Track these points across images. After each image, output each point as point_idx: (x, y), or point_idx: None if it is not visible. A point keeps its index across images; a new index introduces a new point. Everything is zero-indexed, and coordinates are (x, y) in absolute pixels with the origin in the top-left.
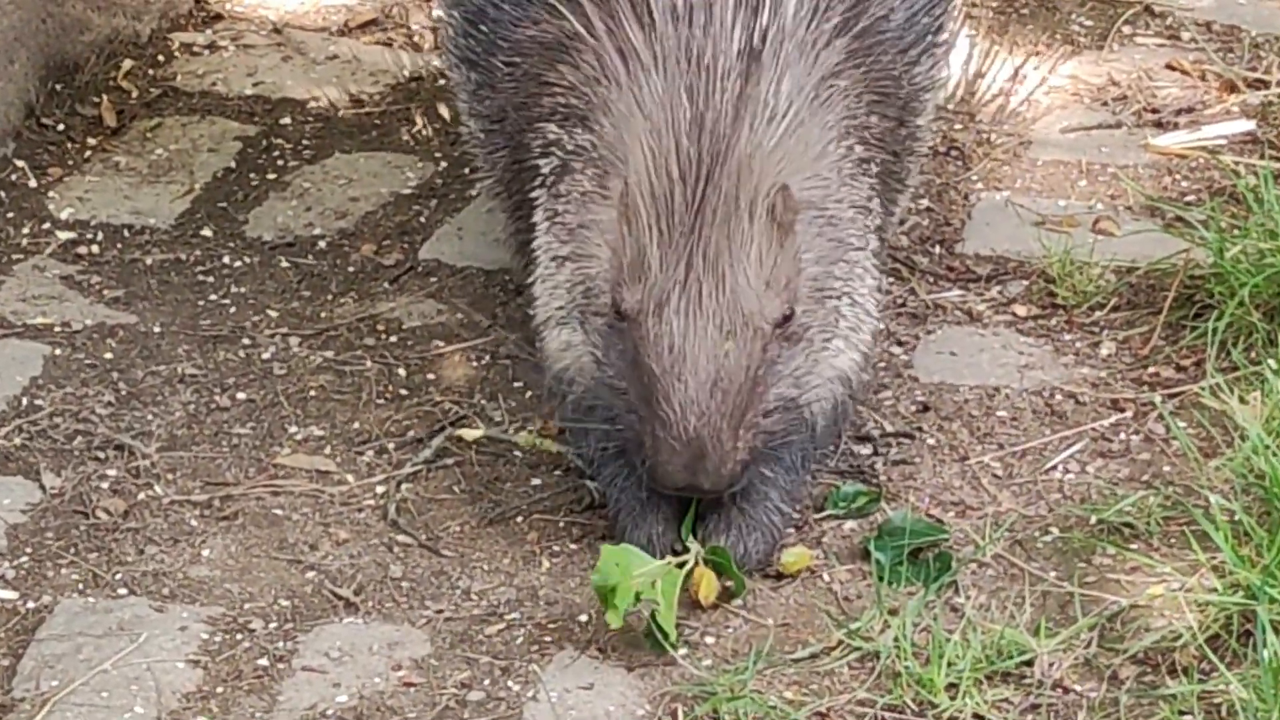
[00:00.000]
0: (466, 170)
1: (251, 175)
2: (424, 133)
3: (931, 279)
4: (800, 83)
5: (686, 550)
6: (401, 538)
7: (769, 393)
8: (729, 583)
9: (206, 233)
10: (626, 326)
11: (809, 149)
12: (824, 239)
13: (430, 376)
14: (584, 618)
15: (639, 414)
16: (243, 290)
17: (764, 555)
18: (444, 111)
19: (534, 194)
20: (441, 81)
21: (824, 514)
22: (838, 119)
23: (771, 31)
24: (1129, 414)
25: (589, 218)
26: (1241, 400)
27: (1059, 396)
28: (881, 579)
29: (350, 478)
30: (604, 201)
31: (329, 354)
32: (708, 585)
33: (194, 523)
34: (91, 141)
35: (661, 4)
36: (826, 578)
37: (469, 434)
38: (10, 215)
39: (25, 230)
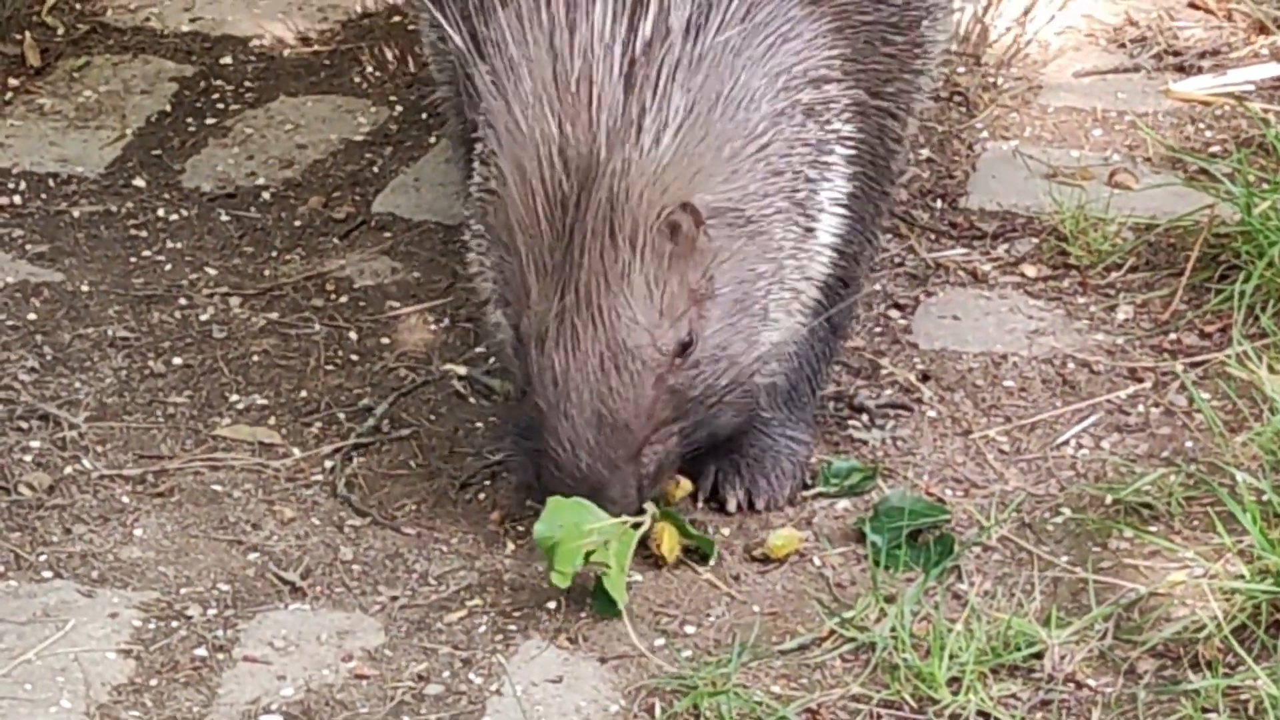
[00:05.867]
0: (424, 115)
1: (188, 120)
2: (377, 74)
3: (932, 236)
4: (697, 87)
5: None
6: (352, 517)
7: (680, 419)
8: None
9: (139, 183)
10: (521, 353)
11: (719, 156)
12: (744, 248)
13: (384, 340)
14: (552, 605)
15: (537, 439)
16: (179, 246)
17: (791, 492)
18: (398, 51)
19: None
20: (397, 19)
21: (814, 492)
22: (774, 97)
23: (655, 43)
24: (1148, 384)
25: (492, 220)
26: (1271, 369)
27: (1071, 365)
28: (877, 563)
29: (296, 450)
30: (493, 220)
31: (273, 316)
32: (670, 540)
33: (126, 499)
34: (13, 83)
35: (533, 20)
36: (817, 562)
37: (458, 369)
38: None
39: None
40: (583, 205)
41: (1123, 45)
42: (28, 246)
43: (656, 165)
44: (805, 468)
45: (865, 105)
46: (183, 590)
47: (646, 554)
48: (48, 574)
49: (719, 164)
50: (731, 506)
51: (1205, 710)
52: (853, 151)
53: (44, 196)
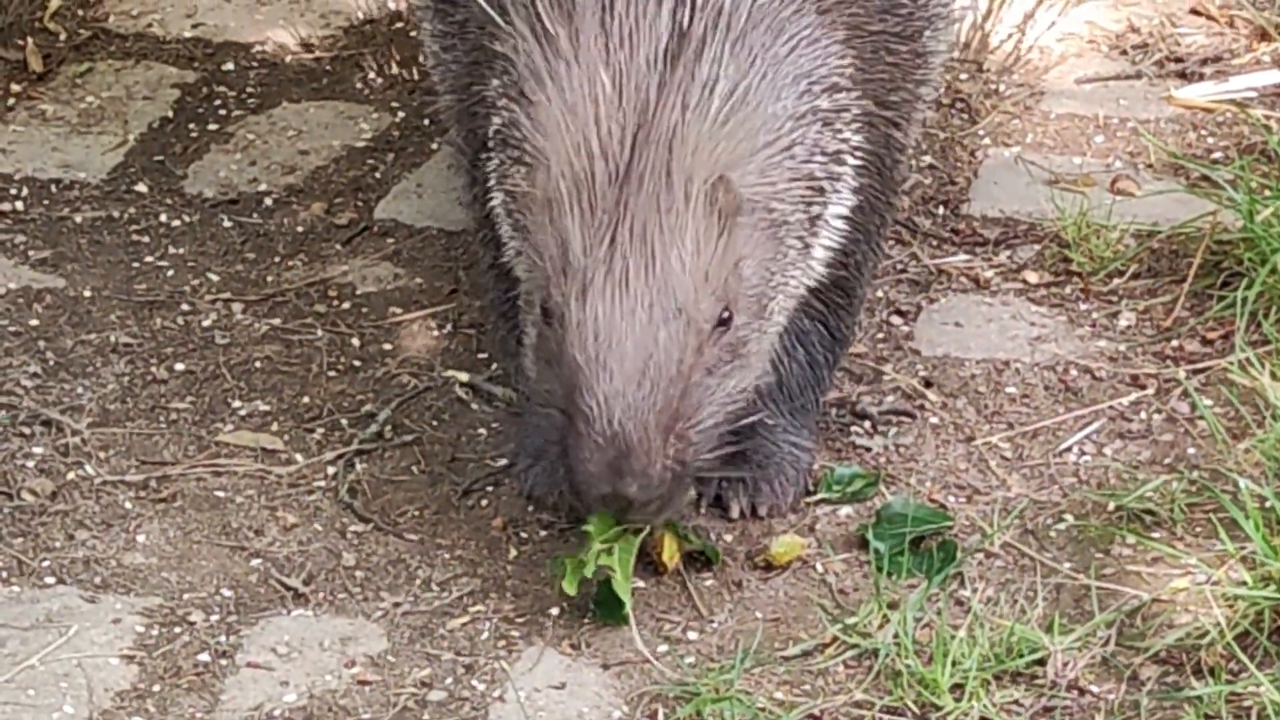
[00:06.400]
0: (426, 121)
1: (191, 126)
2: (379, 80)
3: (935, 242)
4: (743, 67)
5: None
6: (355, 523)
7: (704, 404)
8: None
9: (141, 188)
10: (551, 327)
11: (754, 141)
12: (765, 246)
13: (386, 346)
14: (555, 611)
15: (562, 416)
16: (181, 252)
17: (794, 499)
18: (401, 57)
19: (489, 148)
20: (399, 24)
21: (817, 498)
22: (798, 99)
23: (703, 12)
24: (1150, 391)
25: (524, 221)
26: (1273, 376)
27: (1074, 371)
28: (880, 570)
29: (299, 457)
30: (532, 203)
31: (276, 322)
32: (670, 547)
33: (128, 505)
34: (15, 88)
35: None
36: (820, 568)
37: (460, 375)
38: None
39: None
40: (639, 145)
41: (1125, 52)
42: (30, 252)
43: (709, 123)
44: (809, 474)
45: (873, 115)
46: (185, 596)
47: (648, 561)
48: (50, 580)
49: (755, 154)
50: (734, 513)
51: (1208, 717)
52: (861, 163)
53: (46, 202)
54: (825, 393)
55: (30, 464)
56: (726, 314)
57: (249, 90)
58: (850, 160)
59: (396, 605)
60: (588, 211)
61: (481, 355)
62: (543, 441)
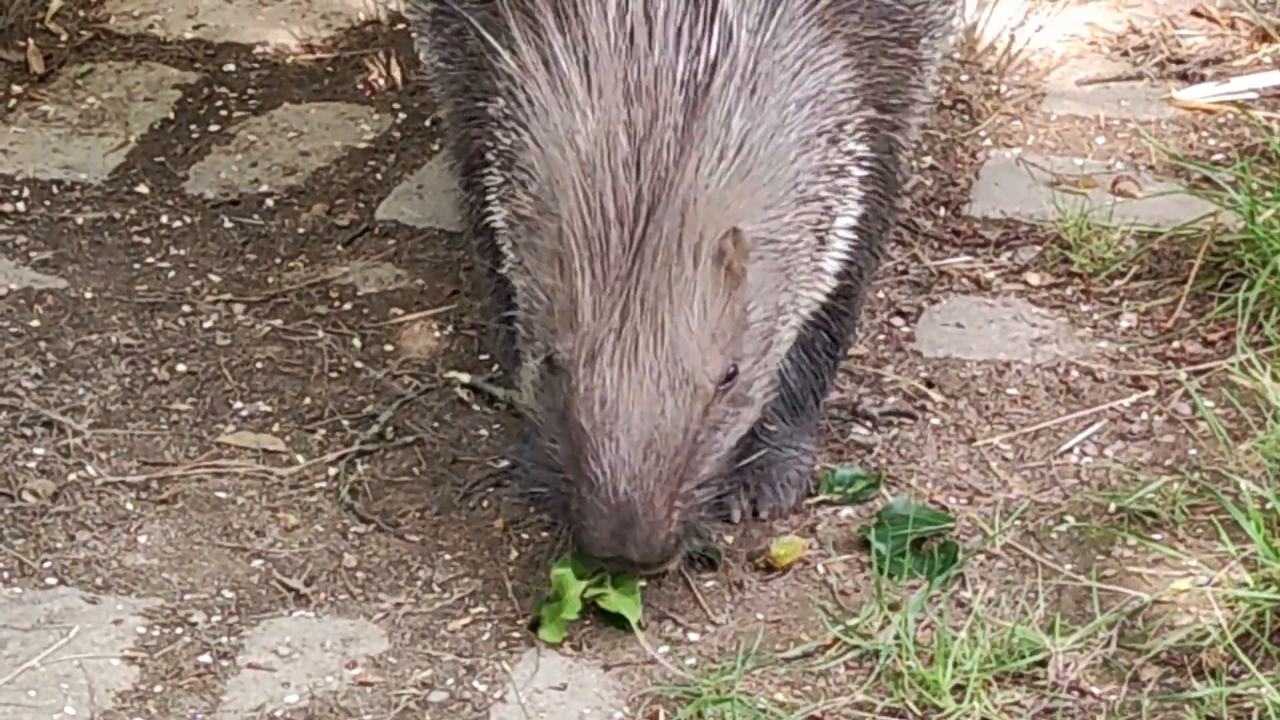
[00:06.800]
0: (427, 122)
1: (192, 127)
2: (381, 81)
3: (936, 244)
4: (754, 111)
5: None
6: (356, 524)
7: (707, 461)
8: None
9: (143, 189)
10: (557, 379)
11: (763, 186)
12: (774, 281)
13: (388, 348)
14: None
15: (567, 474)
16: (182, 253)
17: (796, 501)
18: (402, 58)
19: (489, 162)
20: (401, 25)
21: (818, 500)
22: (804, 124)
23: (722, 62)
24: (1151, 392)
25: (526, 252)
26: (1274, 377)
27: (1075, 373)
28: (881, 571)
29: (300, 458)
30: (539, 242)
31: (277, 323)
32: None
33: (129, 506)
34: (17, 89)
35: (597, 34)
36: (821, 569)
37: (461, 377)
38: None
39: None
40: (657, 217)
41: (1126, 53)
42: (31, 253)
43: (719, 184)
44: (810, 477)
45: (874, 122)
46: (187, 597)
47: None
48: (52, 581)
49: (760, 191)
50: (736, 518)
51: (1209, 718)
52: (866, 172)
53: (47, 203)
54: (826, 396)
55: (31, 465)
56: (733, 369)
57: (250, 91)
58: (855, 171)
59: (398, 606)
60: (599, 277)
61: (483, 356)
62: (543, 470)
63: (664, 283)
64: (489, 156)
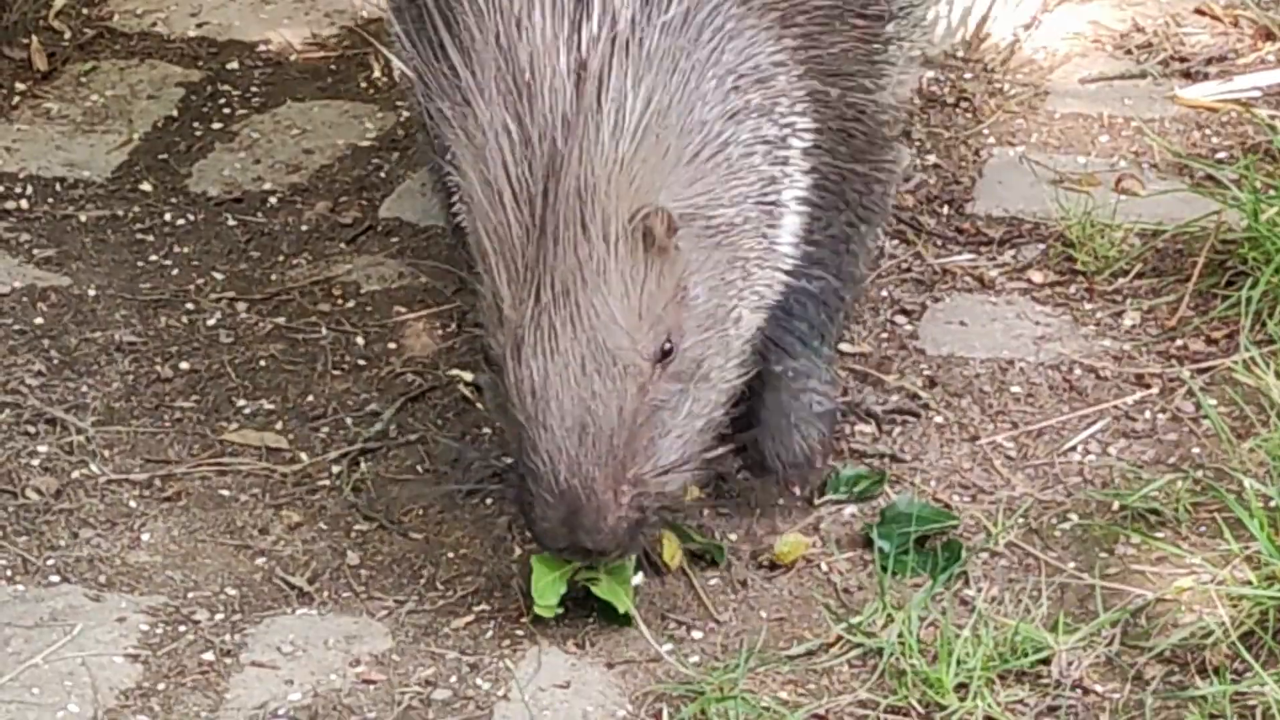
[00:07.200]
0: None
1: (195, 125)
2: (384, 79)
3: (939, 242)
4: (653, 87)
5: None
6: (359, 521)
7: (659, 442)
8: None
9: (146, 187)
10: (497, 377)
11: (683, 160)
12: (716, 255)
13: (390, 345)
14: (560, 609)
15: (516, 468)
16: (186, 250)
17: (823, 442)
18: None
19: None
20: None
21: (822, 498)
22: (725, 97)
23: (603, 36)
24: (1155, 390)
25: (467, 232)
26: (1278, 375)
27: (1078, 371)
28: (885, 569)
29: (303, 455)
30: (469, 240)
31: (280, 321)
32: (670, 547)
33: (133, 504)
34: (20, 87)
35: (475, 24)
36: (825, 567)
37: (464, 375)
38: None
39: None
40: (550, 198)
41: (1129, 51)
42: (35, 251)
43: (619, 161)
44: (836, 421)
45: (820, 94)
46: (190, 595)
47: (651, 560)
48: (55, 578)
49: (680, 167)
50: (771, 463)
51: (1213, 716)
52: (810, 143)
53: (51, 201)
54: (838, 333)
55: (35, 462)
56: (668, 345)
57: (253, 89)
58: (796, 143)
59: (401, 604)
60: (511, 266)
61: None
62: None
63: (574, 266)
64: (448, 155)
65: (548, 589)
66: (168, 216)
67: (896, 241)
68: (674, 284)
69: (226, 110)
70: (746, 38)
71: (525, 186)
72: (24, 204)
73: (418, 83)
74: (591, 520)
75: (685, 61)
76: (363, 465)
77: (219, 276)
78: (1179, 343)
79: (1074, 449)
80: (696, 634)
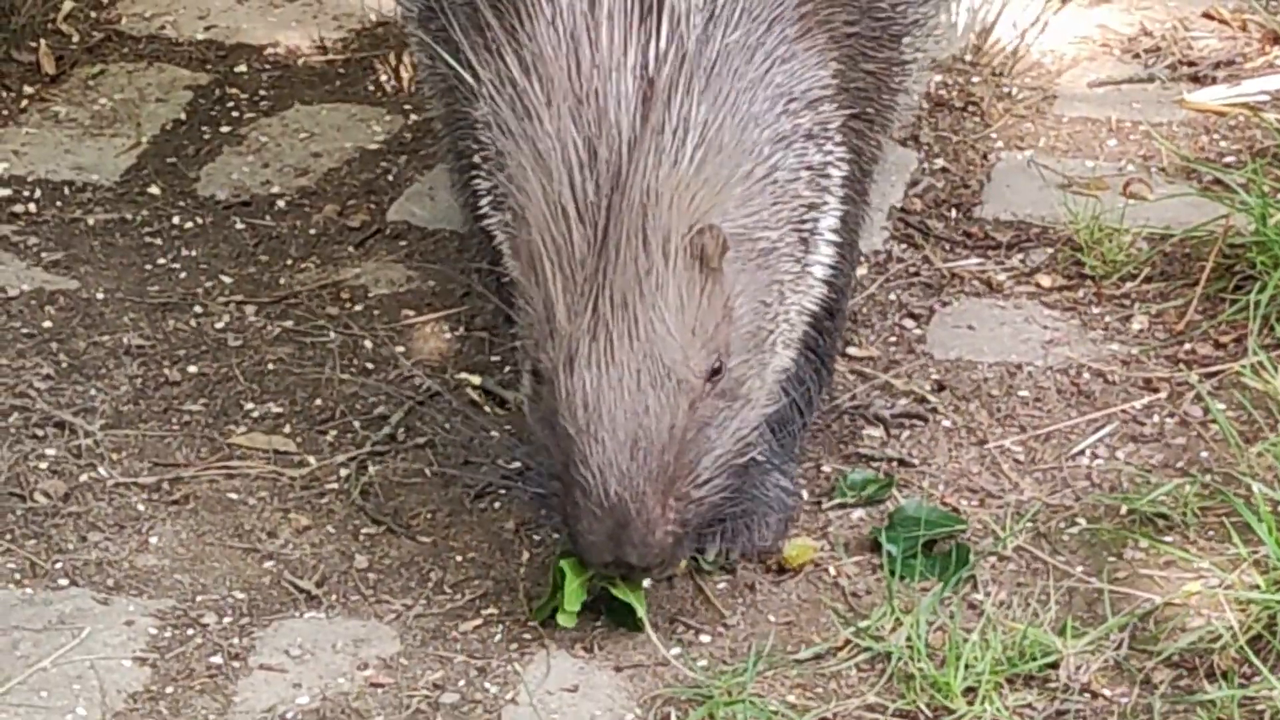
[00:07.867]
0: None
1: (204, 128)
2: (392, 82)
3: (947, 246)
4: (717, 103)
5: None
6: (368, 525)
7: (703, 459)
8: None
9: (154, 190)
10: (544, 388)
11: (735, 181)
12: (757, 278)
13: (399, 349)
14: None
15: (560, 481)
16: (194, 254)
17: (774, 540)
18: (414, 59)
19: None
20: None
21: (831, 502)
22: (778, 119)
23: (670, 54)
24: (1163, 394)
25: (513, 261)
26: None
27: (1086, 375)
28: (893, 573)
29: (312, 459)
30: (520, 250)
31: (288, 324)
32: None
33: (141, 507)
34: (29, 90)
35: (543, 35)
36: (833, 571)
37: (473, 378)
38: None
39: None
40: (614, 211)
41: (1137, 56)
42: (43, 254)
43: (681, 178)
44: (790, 520)
45: (854, 124)
46: (198, 598)
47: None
48: (63, 581)
49: (734, 187)
50: (711, 555)
51: None
52: (846, 173)
53: (59, 204)
54: (808, 424)
55: (43, 466)
56: (718, 363)
57: (262, 92)
58: (835, 173)
59: (409, 607)
60: (569, 278)
61: (494, 358)
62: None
63: (633, 279)
64: (477, 160)
65: (574, 596)
66: (176, 220)
67: (905, 246)
68: (723, 303)
69: (235, 113)
70: (799, 60)
71: (589, 199)
72: (32, 207)
73: (452, 88)
74: (640, 535)
75: (744, 80)
76: (371, 468)
77: (227, 280)
78: (1187, 347)
79: (1082, 453)
80: (705, 638)
